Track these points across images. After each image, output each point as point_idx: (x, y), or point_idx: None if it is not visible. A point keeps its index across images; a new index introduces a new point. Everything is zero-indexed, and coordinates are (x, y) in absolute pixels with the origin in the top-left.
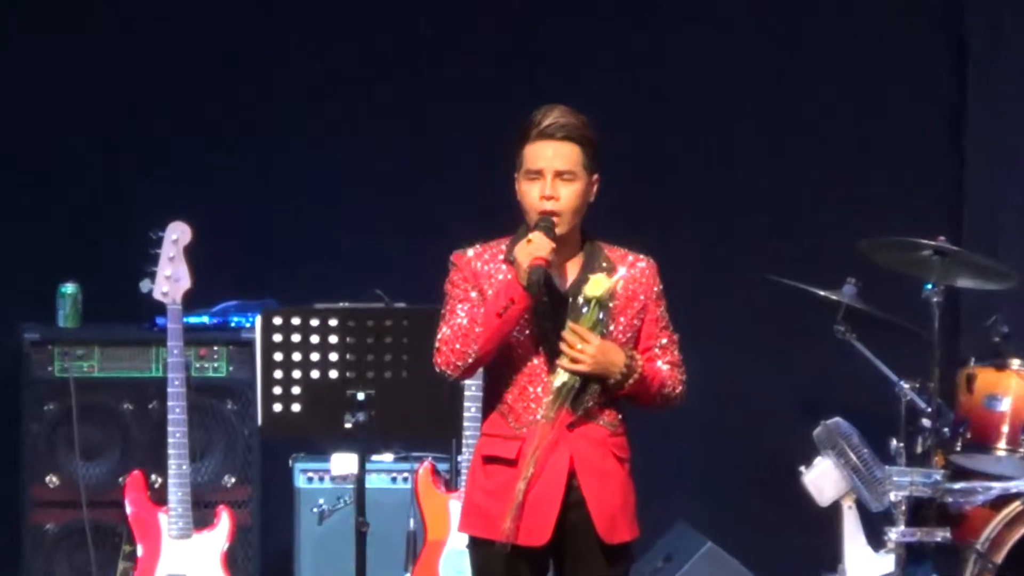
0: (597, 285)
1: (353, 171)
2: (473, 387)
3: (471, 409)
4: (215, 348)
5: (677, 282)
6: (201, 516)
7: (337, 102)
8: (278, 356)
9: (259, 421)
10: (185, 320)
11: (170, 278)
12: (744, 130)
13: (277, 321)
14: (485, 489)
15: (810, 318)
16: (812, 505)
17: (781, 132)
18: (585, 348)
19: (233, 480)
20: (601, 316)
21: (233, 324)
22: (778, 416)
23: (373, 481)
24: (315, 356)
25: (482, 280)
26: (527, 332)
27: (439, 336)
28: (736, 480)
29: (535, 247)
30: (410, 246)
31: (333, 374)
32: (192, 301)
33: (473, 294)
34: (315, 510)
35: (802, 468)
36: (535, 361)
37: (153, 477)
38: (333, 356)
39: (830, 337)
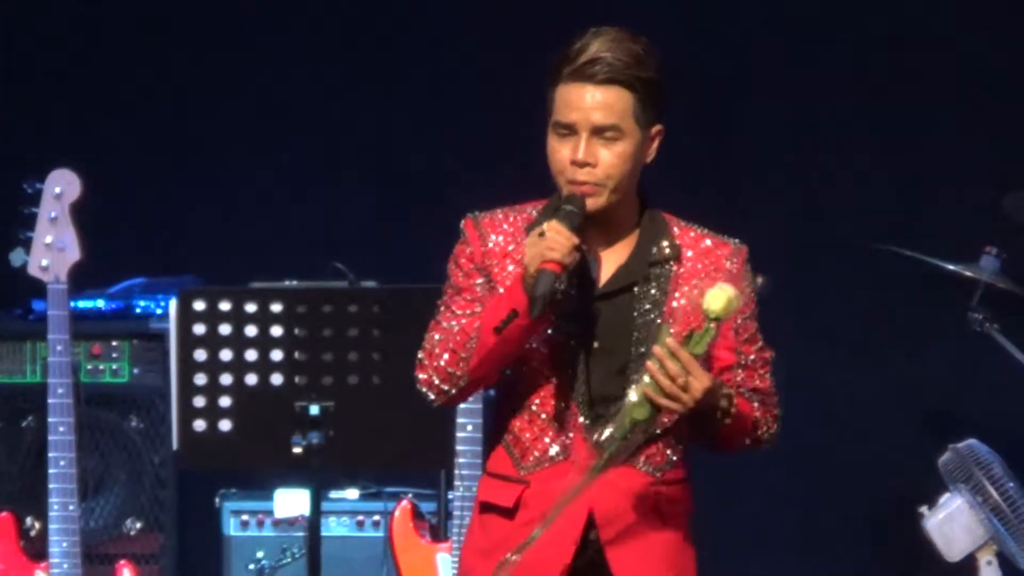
0: (720, 298)
1: (304, 99)
2: (471, 397)
3: (468, 427)
4: (114, 344)
5: (753, 259)
6: (95, 574)
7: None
8: (200, 355)
9: (174, 444)
10: (73, 305)
11: (52, 247)
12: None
13: (199, 306)
14: (478, 547)
15: (935, 303)
16: (938, 560)
17: (888, 59)
18: (691, 383)
19: (139, 525)
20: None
21: (138, 311)
22: (891, 438)
23: (332, 527)
24: (252, 355)
25: (495, 263)
26: (545, 339)
27: (425, 343)
28: (835, 527)
29: (549, 244)
30: (383, 203)
31: (276, 379)
32: (82, 279)
33: (479, 284)
34: (252, 567)
35: (924, 509)
36: (552, 381)
37: (28, 521)
38: (276, 355)
39: (963, 328)
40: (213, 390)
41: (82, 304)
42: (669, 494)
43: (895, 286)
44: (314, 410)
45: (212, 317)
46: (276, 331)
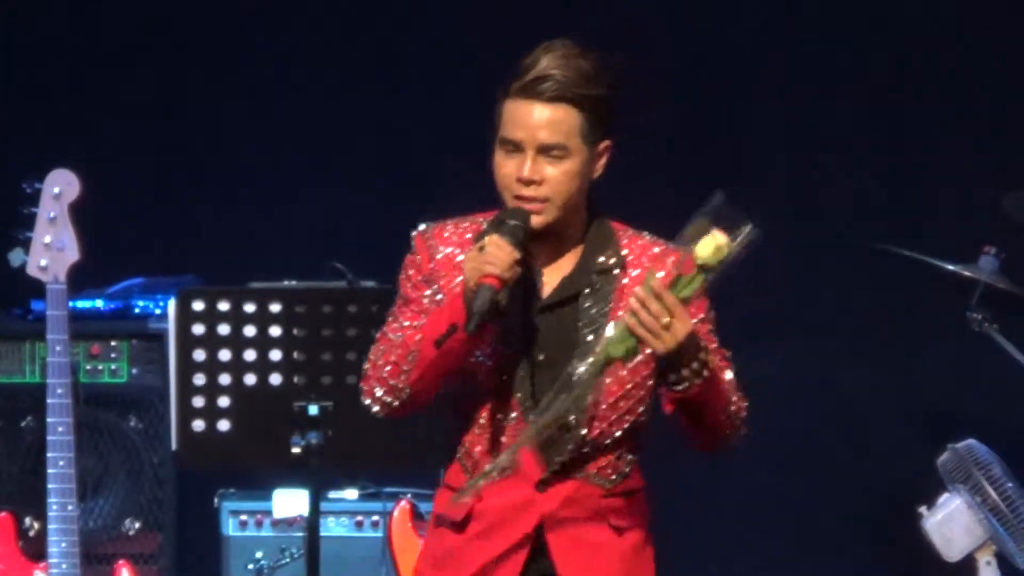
0: (709, 245)
1: (303, 99)
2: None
3: None
4: (113, 344)
5: (751, 259)
6: (94, 575)
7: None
8: (199, 355)
9: (173, 444)
10: (72, 305)
11: (51, 247)
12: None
13: (198, 306)
14: (430, 560)
15: (934, 303)
16: (937, 560)
17: (888, 59)
18: (674, 324)
19: (138, 525)
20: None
21: (137, 311)
22: (890, 438)
23: (331, 527)
24: (250, 355)
25: (443, 275)
26: (490, 352)
27: (370, 354)
28: (834, 527)
29: (489, 259)
30: (382, 203)
31: (275, 379)
32: (81, 278)
33: (427, 295)
34: (251, 567)
35: (923, 509)
36: (499, 394)
37: (27, 521)
38: (275, 355)
39: (961, 328)
40: (212, 390)
41: (81, 304)
42: (621, 506)
43: (894, 286)
44: (313, 410)
45: (211, 317)
46: (275, 331)
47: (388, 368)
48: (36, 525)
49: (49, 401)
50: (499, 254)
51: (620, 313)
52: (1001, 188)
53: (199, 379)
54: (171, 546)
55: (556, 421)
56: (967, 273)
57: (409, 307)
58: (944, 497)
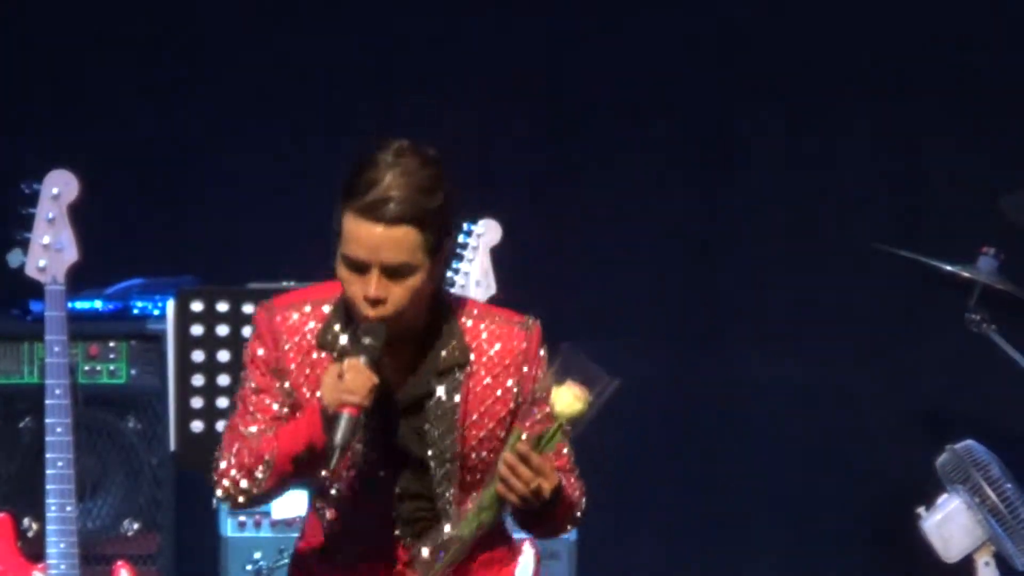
0: (566, 399)
1: (302, 98)
2: None
3: None
4: (111, 344)
5: (750, 259)
6: (93, 575)
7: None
8: (198, 356)
9: (172, 445)
10: (70, 306)
11: (49, 248)
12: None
13: (197, 307)
14: None
15: (932, 303)
16: (935, 561)
17: (888, 59)
18: (542, 486)
19: (136, 526)
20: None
21: (136, 311)
22: (889, 439)
23: None
24: None
25: (291, 368)
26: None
27: (223, 443)
28: (832, 528)
29: (349, 387)
30: None
31: None
32: (80, 279)
33: (277, 387)
34: (250, 568)
35: (921, 510)
36: (357, 495)
37: (26, 522)
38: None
39: (960, 329)
40: (210, 391)
41: (80, 305)
42: (495, 557)
43: (893, 287)
44: None
45: (210, 318)
46: None
47: (241, 474)
48: (35, 526)
49: (48, 402)
50: (359, 380)
51: (469, 501)
52: (1000, 189)
53: (198, 380)
54: (170, 547)
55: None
56: (966, 274)
57: (260, 396)
58: (943, 498)
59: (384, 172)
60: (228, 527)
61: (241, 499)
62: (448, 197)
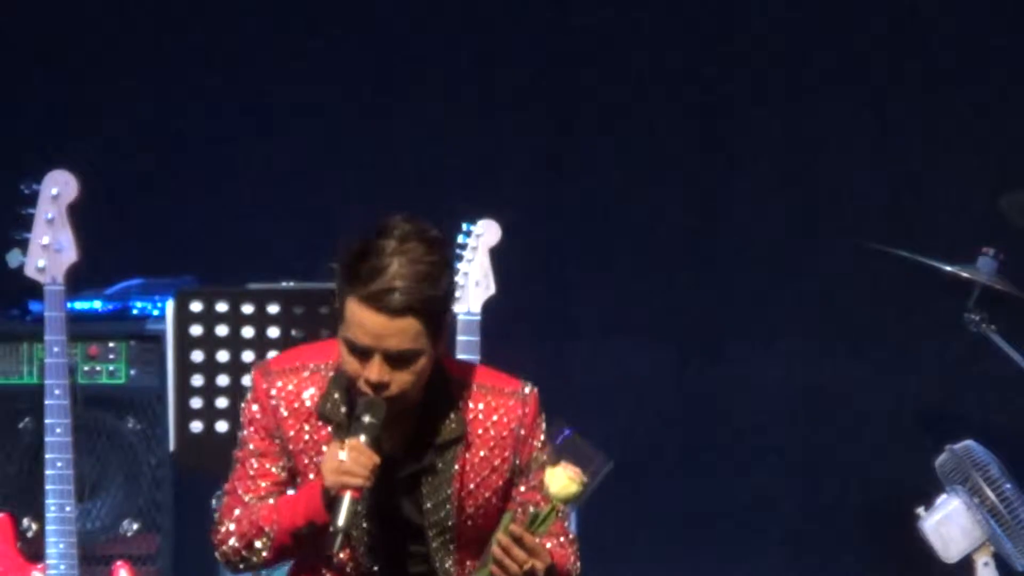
0: (561, 481)
1: (301, 98)
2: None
3: None
4: (111, 345)
5: (749, 259)
6: (92, 575)
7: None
8: (197, 356)
9: (171, 445)
10: (69, 306)
11: (48, 248)
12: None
13: (196, 307)
14: None
15: (932, 304)
16: (935, 561)
17: (887, 59)
18: (536, 566)
19: (136, 526)
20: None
21: (136, 312)
22: (888, 439)
23: None
24: (248, 356)
25: (290, 434)
26: None
27: (223, 509)
28: (831, 529)
29: (350, 469)
30: (380, 204)
31: None
32: (79, 280)
33: (276, 450)
34: None
35: (920, 510)
36: (352, 563)
37: (25, 522)
38: (273, 356)
39: (960, 329)
40: (210, 391)
41: (79, 305)
42: None
43: (892, 287)
44: None
45: (209, 318)
46: (273, 332)
47: (240, 543)
48: (34, 526)
49: (47, 402)
50: (361, 460)
51: (483, 561)
52: (999, 189)
53: (197, 380)
54: (169, 547)
55: None
56: (965, 274)
57: (260, 460)
58: (942, 498)
59: (389, 260)
60: None
61: (242, 567)
62: (450, 281)
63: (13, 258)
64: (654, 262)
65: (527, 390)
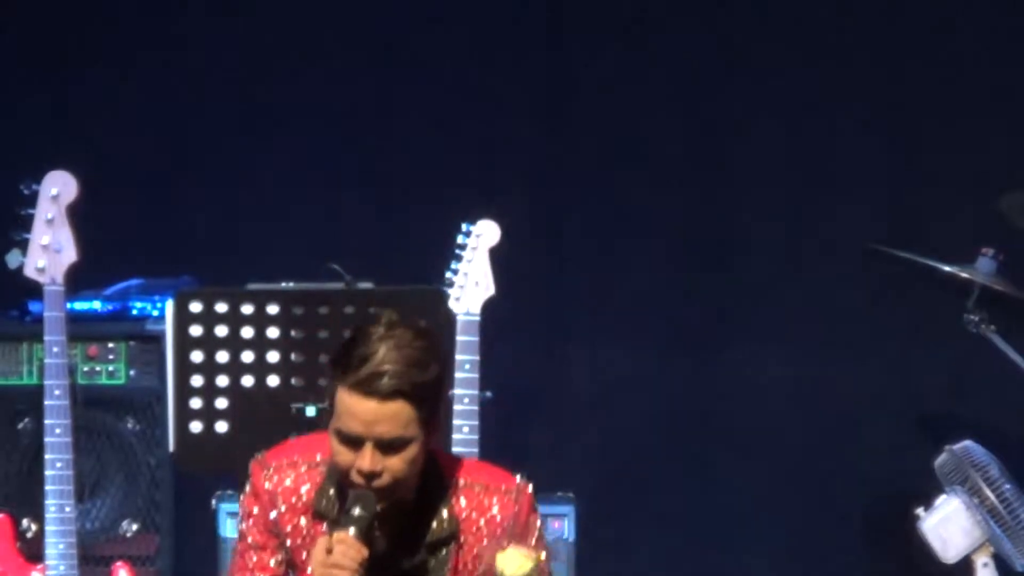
0: (516, 561)
1: (301, 98)
2: (466, 399)
3: (464, 429)
4: (110, 345)
5: (749, 259)
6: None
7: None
8: (197, 356)
9: (171, 446)
10: (69, 306)
11: (48, 248)
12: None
13: (196, 307)
14: None
15: (931, 304)
16: (934, 561)
17: (887, 59)
18: None
19: (135, 527)
20: None
21: (135, 312)
22: (887, 440)
23: None
24: (248, 356)
25: (287, 528)
26: None
27: None
28: (831, 529)
29: (338, 561)
30: (380, 204)
31: (273, 381)
32: (79, 280)
33: (275, 544)
34: None
35: (920, 511)
36: None
37: (25, 523)
38: (273, 356)
39: (959, 330)
40: (209, 392)
41: (78, 305)
42: None
43: (892, 287)
44: (310, 411)
45: (208, 319)
46: (272, 332)
47: None
48: (34, 527)
49: (47, 403)
50: (349, 554)
51: None
52: (999, 189)
53: (196, 380)
54: (169, 547)
55: None
56: (965, 275)
57: (259, 554)
58: (941, 499)
59: (376, 346)
60: (227, 528)
61: None
62: (441, 368)
63: (13, 258)
64: (654, 262)
65: (520, 486)
